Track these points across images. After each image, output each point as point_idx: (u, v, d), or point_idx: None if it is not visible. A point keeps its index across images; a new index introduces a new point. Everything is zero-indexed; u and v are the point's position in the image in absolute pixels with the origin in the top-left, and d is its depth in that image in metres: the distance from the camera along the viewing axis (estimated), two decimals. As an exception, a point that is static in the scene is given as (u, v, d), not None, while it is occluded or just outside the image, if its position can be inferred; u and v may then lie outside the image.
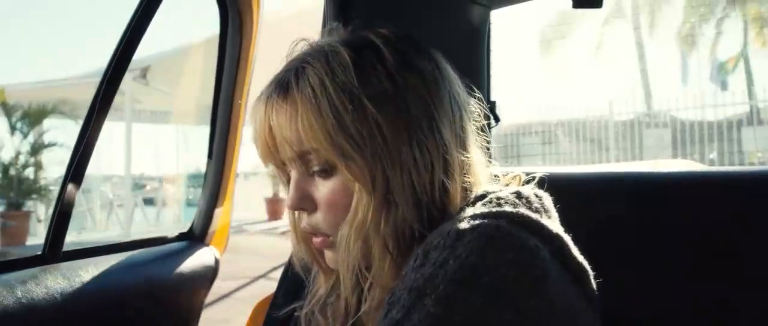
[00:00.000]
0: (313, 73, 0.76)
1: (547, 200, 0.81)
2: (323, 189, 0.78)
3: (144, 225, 13.23)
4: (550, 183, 0.83)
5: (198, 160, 15.86)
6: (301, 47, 0.84)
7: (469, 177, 0.80)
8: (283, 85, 0.78)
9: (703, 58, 14.39)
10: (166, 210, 14.14)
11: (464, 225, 0.66)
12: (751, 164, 9.83)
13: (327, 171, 0.77)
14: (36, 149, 10.60)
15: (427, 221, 0.75)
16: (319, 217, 0.80)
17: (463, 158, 0.79)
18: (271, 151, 0.80)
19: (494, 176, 0.88)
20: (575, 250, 0.72)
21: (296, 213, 0.85)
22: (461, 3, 1.34)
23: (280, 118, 0.76)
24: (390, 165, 0.74)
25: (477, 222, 0.66)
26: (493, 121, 1.52)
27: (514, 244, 0.64)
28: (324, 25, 1.29)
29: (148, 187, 16.07)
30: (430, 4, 1.29)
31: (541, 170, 0.93)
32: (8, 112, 10.15)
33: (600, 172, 1.34)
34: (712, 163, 9.74)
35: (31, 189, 10.66)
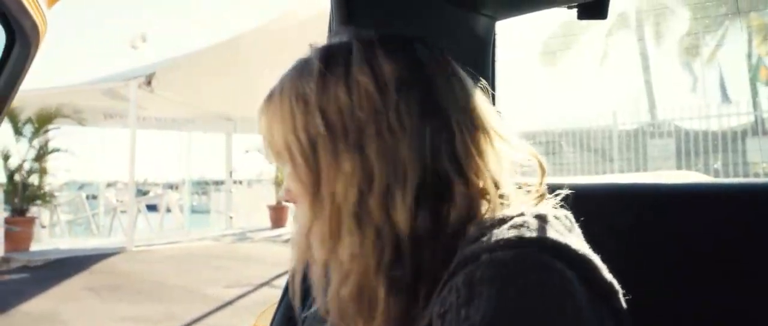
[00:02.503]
0: (287, 82, 0.82)
1: (571, 216, 0.80)
2: (292, 186, 0.82)
3: (147, 231, 13.25)
4: (553, 194, 0.83)
5: (203, 166, 15.86)
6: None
7: (466, 191, 0.76)
8: (270, 92, 0.84)
9: (706, 68, 14.39)
10: (169, 216, 14.14)
11: (505, 256, 0.65)
12: (756, 175, 9.81)
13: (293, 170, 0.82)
14: (41, 155, 10.62)
15: (379, 238, 0.74)
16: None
17: (448, 171, 0.75)
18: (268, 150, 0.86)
19: (518, 187, 0.83)
20: (603, 270, 0.71)
21: None
22: (467, 14, 1.35)
23: (261, 121, 0.84)
24: (331, 176, 0.76)
25: (514, 252, 0.65)
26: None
27: (557, 279, 0.64)
28: (329, 34, 1.30)
29: (151, 193, 16.09)
30: (436, 15, 1.30)
31: (547, 181, 0.94)
32: (14, 117, 10.17)
33: (605, 183, 1.34)
34: (716, 172, 9.71)
35: (36, 195, 10.68)
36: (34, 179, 10.63)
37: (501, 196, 0.78)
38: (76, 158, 11.60)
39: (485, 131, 0.80)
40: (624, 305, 0.71)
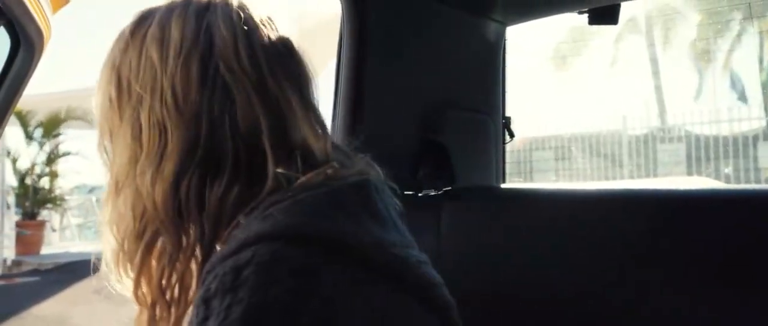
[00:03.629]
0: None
1: (370, 191, 0.73)
2: None
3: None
4: (566, 201, 0.82)
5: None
6: None
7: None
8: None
9: (718, 72, 14.32)
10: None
11: (239, 259, 0.61)
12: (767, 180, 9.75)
13: None
14: (51, 158, 10.68)
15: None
16: None
17: (218, 137, 0.72)
18: None
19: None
20: (392, 251, 0.66)
21: None
22: (478, 20, 1.35)
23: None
24: (116, 126, 0.76)
25: (251, 252, 0.61)
26: (508, 137, 1.52)
27: (291, 269, 0.60)
28: (340, 40, 1.29)
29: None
30: (447, 21, 1.29)
31: (558, 186, 0.93)
32: (24, 121, 10.23)
33: (615, 189, 1.34)
34: (727, 178, 9.65)
35: (47, 198, 10.73)
36: (44, 182, 10.68)
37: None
38: (87, 161, 11.66)
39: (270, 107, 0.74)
40: (422, 281, 0.68)
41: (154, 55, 0.73)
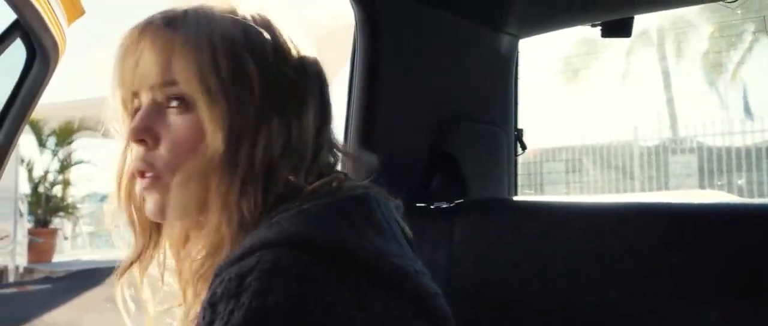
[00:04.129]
0: (202, 15, 0.77)
1: (378, 202, 0.76)
2: (176, 123, 0.76)
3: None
4: (578, 213, 0.82)
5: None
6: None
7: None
8: (168, 16, 0.77)
9: (730, 84, 14.26)
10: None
11: (244, 265, 0.63)
12: (781, 193, 9.67)
13: (184, 106, 0.76)
14: (64, 167, 10.74)
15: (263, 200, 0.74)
16: (158, 154, 0.77)
17: (306, 152, 0.77)
18: (131, 76, 0.78)
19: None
20: (392, 260, 0.67)
21: (129, 151, 0.82)
22: (490, 33, 1.35)
23: (156, 43, 0.76)
24: (251, 127, 0.74)
25: (255, 259, 0.63)
26: (520, 149, 1.52)
27: (295, 276, 0.61)
28: (353, 51, 1.30)
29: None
30: (460, 34, 1.29)
31: (569, 199, 0.92)
32: (37, 129, 10.31)
33: (626, 203, 1.33)
34: (740, 190, 9.58)
35: (59, 206, 10.79)
36: (57, 190, 10.75)
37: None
38: (99, 169, 11.72)
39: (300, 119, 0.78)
40: (421, 291, 0.68)
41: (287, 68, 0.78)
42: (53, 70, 1.12)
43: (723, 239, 1.09)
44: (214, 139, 0.74)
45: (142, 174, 0.78)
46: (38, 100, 1.17)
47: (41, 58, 1.06)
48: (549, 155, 10.68)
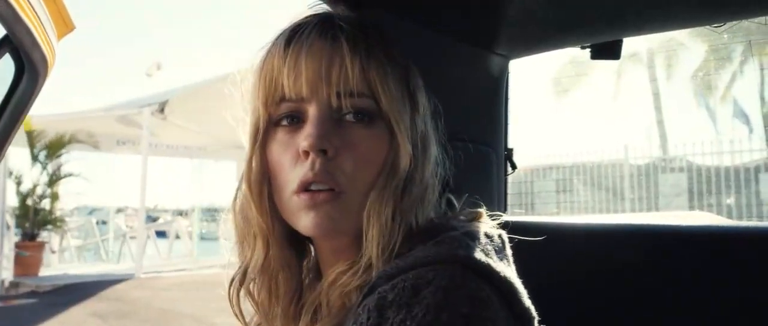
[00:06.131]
0: (387, 31, 0.82)
1: (505, 238, 0.80)
2: (361, 135, 0.75)
3: (156, 258, 13.23)
4: (568, 233, 0.82)
5: (213, 193, 15.87)
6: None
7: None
8: (356, 25, 0.78)
9: (719, 103, 14.38)
10: (178, 243, 14.13)
11: (420, 276, 0.63)
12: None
13: (368, 119, 0.76)
14: (53, 180, 10.68)
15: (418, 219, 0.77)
16: (339, 166, 0.74)
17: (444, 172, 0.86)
18: (313, 81, 0.75)
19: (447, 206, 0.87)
20: (523, 294, 0.70)
21: (296, 163, 0.76)
22: (481, 53, 1.35)
23: (354, 53, 0.74)
24: (425, 144, 0.80)
25: (431, 272, 0.64)
26: (510, 169, 1.52)
27: (468, 296, 0.62)
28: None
29: (161, 219, 16.09)
30: (452, 55, 1.30)
31: (561, 220, 0.93)
32: (30, 141, 10.26)
33: (615, 223, 1.34)
34: (729, 208, 9.63)
35: (47, 219, 10.72)
36: (45, 204, 10.68)
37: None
38: (88, 183, 11.67)
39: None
40: None
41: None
42: (42, 85, 1.12)
43: (710, 261, 1.10)
44: (403, 155, 0.75)
45: (308, 186, 0.74)
46: (26, 113, 1.17)
47: (30, 73, 1.06)
48: (539, 174, 10.70)
